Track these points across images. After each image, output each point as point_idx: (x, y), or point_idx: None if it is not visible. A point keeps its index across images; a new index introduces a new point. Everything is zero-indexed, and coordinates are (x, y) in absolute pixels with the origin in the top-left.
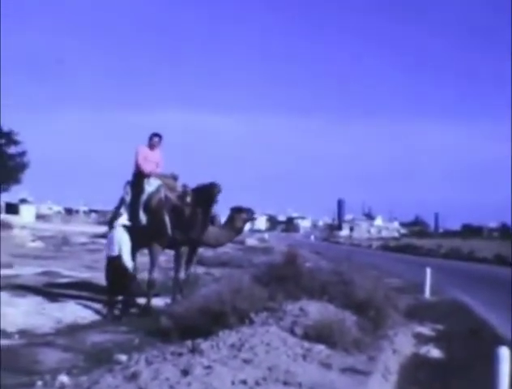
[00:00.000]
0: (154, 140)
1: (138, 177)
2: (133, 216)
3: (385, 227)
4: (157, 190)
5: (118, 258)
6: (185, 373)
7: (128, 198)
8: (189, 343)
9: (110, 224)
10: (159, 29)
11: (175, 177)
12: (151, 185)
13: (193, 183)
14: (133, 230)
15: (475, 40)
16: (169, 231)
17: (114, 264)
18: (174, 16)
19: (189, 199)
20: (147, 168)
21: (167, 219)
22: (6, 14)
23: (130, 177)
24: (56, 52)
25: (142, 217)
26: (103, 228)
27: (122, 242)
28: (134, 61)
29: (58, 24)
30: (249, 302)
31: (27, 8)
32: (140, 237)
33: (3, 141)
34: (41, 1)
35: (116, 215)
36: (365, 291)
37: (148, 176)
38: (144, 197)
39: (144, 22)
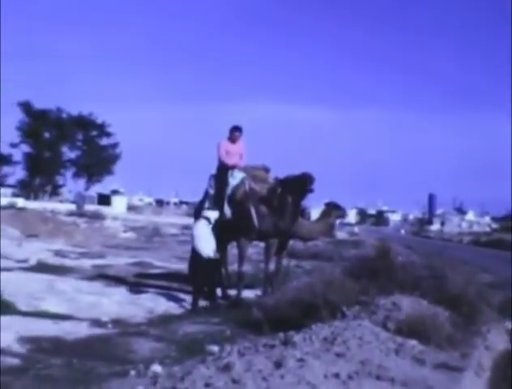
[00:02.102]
0: (235, 134)
1: (222, 171)
2: (217, 210)
3: (476, 221)
4: (241, 182)
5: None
6: (278, 365)
7: (212, 192)
8: (281, 335)
9: (196, 217)
10: (249, 21)
11: (267, 169)
12: (234, 178)
13: (284, 175)
14: (219, 224)
15: None
16: (256, 223)
17: (196, 256)
18: (264, 9)
19: (279, 191)
20: (229, 161)
21: (253, 211)
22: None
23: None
24: (150, 44)
25: (227, 210)
26: (193, 220)
27: (201, 235)
28: (225, 53)
29: (147, 18)
30: (341, 295)
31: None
32: (227, 231)
33: (96, 133)
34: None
35: (202, 208)
36: (458, 286)
37: (231, 169)
38: (228, 190)
39: (235, 13)
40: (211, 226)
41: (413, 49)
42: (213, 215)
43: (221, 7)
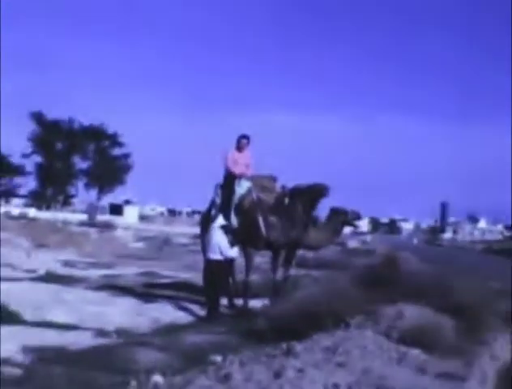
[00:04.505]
0: (242, 142)
1: (229, 180)
2: (224, 219)
3: (488, 229)
4: (248, 191)
5: (223, 260)
6: (278, 375)
7: (218, 201)
8: (283, 345)
9: (202, 226)
10: (262, 29)
11: (273, 179)
12: (241, 187)
13: (292, 184)
14: (227, 233)
15: None
16: (263, 232)
17: (214, 267)
18: (277, 16)
19: (287, 200)
20: (236, 170)
21: (260, 220)
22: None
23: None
24: (161, 55)
25: (234, 219)
26: (200, 230)
27: (223, 244)
28: (236, 63)
29: (167, 29)
30: (346, 305)
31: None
32: (234, 240)
33: (107, 143)
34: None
35: (209, 217)
36: (464, 295)
37: (238, 178)
38: (235, 199)
39: (248, 21)
40: (222, 231)
41: (425, 56)
42: (219, 221)
43: (227, 16)
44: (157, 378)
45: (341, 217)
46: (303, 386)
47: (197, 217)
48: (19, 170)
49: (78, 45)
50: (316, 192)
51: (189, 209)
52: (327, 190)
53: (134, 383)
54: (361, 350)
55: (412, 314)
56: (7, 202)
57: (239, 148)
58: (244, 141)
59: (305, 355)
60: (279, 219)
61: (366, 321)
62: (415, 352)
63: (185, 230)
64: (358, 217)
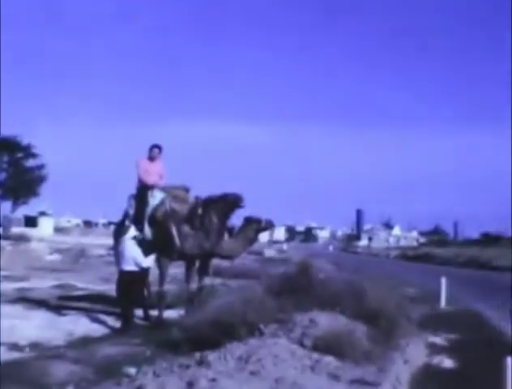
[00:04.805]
0: (154, 152)
1: (142, 190)
2: (138, 230)
3: (403, 236)
4: (162, 202)
5: (138, 271)
6: (190, 385)
7: (132, 212)
8: (197, 355)
9: (115, 237)
10: (180, 35)
11: (186, 189)
12: (155, 198)
13: (206, 194)
14: (140, 244)
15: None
16: (177, 243)
17: (129, 278)
18: (196, 22)
19: (200, 211)
20: (149, 180)
21: (173, 231)
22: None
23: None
24: (71, 56)
25: (148, 230)
26: (113, 241)
27: (137, 255)
28: (156, 71)
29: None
30: (260, 314)
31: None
32: (147, 251)
33: (21, 154)
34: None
35: (122, 229)
36: (377, 301)
37: (151, 188)
38: (148, 210)
39: (163, 26)
40: (135, 242)
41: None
42: (132, 232)
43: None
44: None
45: (255, 226)
46: None
47: (113, 228)
48: None
49: None
50: (229, 202)
51: (105, 220)
52: (241, 199)
53: None
54: (274, 358)
55: (325, 321)
56: None
57: (151, 158)
58: (155, 150)
59: (218, 364)
60: (193, 229)
61: (280, 329)
62: (328, 359)
63: (101, 241)
64: (271, 225)
